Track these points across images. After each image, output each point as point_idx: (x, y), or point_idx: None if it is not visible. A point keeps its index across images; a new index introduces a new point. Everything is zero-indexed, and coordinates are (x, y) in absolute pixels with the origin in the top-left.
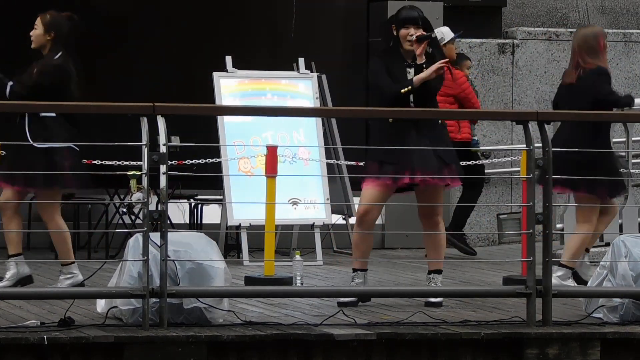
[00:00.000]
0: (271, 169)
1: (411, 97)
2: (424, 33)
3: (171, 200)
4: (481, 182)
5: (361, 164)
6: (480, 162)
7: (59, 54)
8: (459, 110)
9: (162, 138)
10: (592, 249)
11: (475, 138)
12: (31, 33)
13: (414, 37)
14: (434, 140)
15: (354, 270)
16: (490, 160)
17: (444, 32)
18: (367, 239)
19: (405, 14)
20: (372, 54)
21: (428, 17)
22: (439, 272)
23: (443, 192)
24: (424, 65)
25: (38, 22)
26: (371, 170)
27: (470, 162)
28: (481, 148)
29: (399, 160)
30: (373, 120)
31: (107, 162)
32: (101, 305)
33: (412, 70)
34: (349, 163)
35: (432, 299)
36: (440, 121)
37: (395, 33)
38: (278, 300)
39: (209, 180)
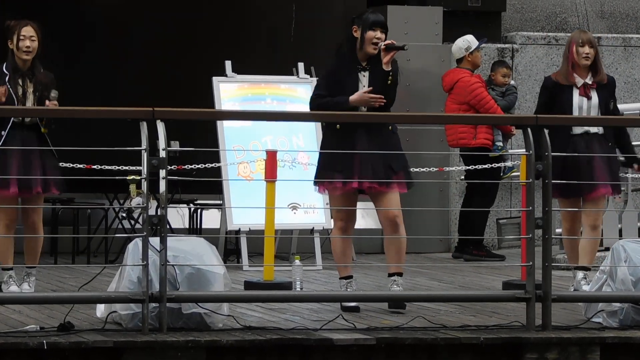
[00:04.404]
0: (271, 174)
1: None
2: (394, 42)
3: (171, 205)
4: (495, 189)
5: None
6: (497, 165)
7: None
8: (458, 115)
9: (162, 143)
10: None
11: (499, 144)
12: (29, 44)
13: (381, 43)
14: (383, 147)
15: (348, 277)
16: (513, 163)
17: (470, 41)
18: (351, 244)
19: (374, 17)
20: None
21: (427, 21)
22: (401, 275)
23: (397, 197)
24: (390, 74)
25: (33, 32)
26: (325, 177)
27: (486, 166)
28: (497, 153)
29: (344, 168)
30: (326, 125)
31: (107, 167)
32: (100, 310)
33: (366, 74)
34: None
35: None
36: (390, 127)
37: (356, 34)
38: (277, 305)
39: (208, 185)
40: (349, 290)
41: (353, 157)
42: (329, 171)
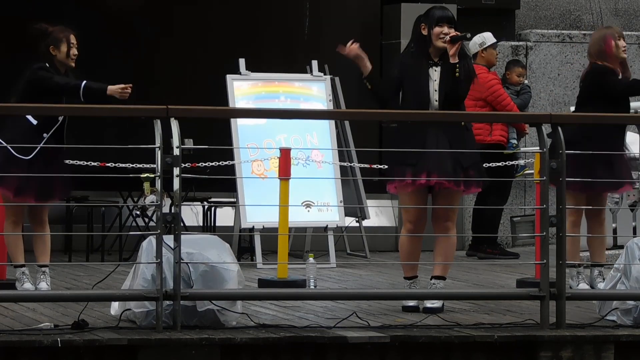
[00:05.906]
0: (284, 172)
1: (436, 96)
2: (458, 33)
3: (185, 203)
4: (509, 187)
5: (375, 166)
6: (511, 163)
7: None
8: (472, 113)
9: (176, 141)
10: (606, 252)
11: (513, 141)
12: (76, 52)
13: (447, 37)
14: (455, 142)
15: (412, 278)
16: (526, 161)
17: (485, 37)
18: (420, 244)
19: (439, 13)
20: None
21: None
22: (442, 278)
23: (459, 197)
24: (457, 65)
25: (74, 40)
26: (395, 173)
27: (500, 164)
28: (512, 150)
29: (416, 162)
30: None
31: (121, 165)
32: (115, 307)
33: (437, 69)
34: (362, 165)
35: (430, 304)
36: (464, 123)
37: (425, 32)
38: (291, 303)
39: (222, 183)
40: (411, 289)
41: (421, 152)
42: (400, 166)
